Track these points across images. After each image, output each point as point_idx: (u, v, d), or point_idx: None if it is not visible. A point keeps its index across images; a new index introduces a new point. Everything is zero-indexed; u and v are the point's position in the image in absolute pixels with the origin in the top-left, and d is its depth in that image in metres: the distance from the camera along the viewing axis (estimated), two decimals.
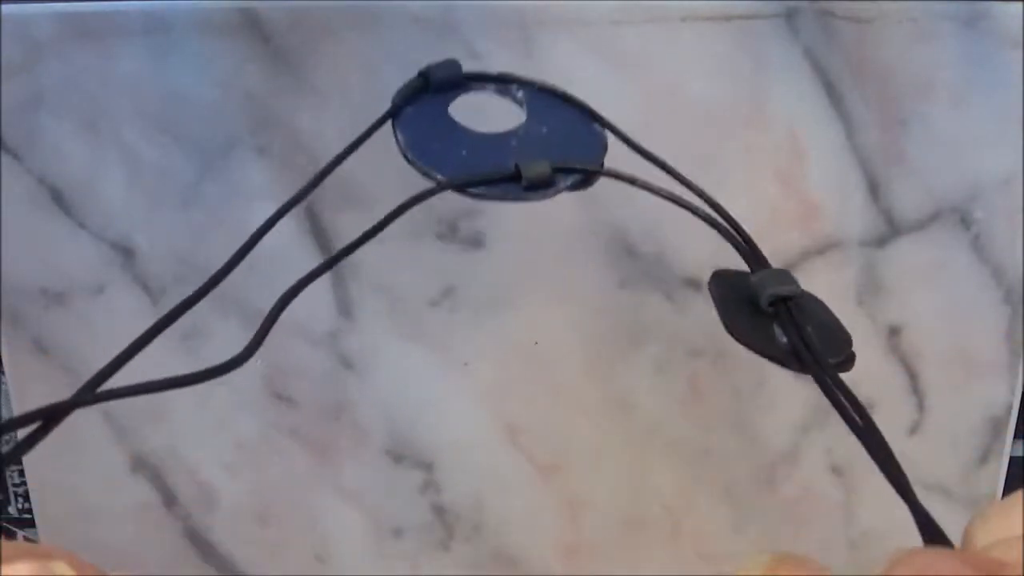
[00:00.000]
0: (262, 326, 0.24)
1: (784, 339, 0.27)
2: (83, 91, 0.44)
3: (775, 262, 0.47)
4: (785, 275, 0.28)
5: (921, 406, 0.49)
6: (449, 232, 0.46)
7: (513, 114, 0.32)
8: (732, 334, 0.27)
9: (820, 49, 0.43)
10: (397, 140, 0.31)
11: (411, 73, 0.43)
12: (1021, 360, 0.48)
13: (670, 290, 0.47)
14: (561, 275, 0.47)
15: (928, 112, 0.44)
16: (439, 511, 0.51)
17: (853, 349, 0.28)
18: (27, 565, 0.15)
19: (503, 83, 0.33)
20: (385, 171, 0.46)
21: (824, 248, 0.46)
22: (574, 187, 0.30)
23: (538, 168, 0.28)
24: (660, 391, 0.48)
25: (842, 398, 0.24)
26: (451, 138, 0.31)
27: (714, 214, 0.30)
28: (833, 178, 0.45)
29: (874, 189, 0.46)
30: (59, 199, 0.46)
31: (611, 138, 0.33)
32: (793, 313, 0.27)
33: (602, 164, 0.31)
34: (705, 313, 0.48)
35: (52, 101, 0.44)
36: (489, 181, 0.29)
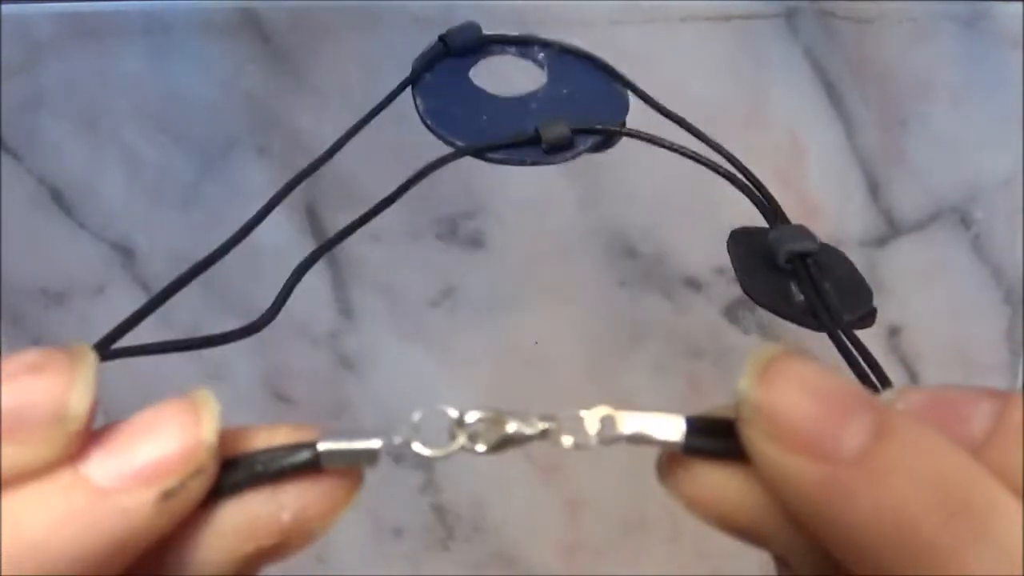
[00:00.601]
0: (281, 293, 0.24)
1: (801, 297, 0.26)
2: (83, 91, 0.44)
3: None
4: (803, 231, 0.28)
5: None
6: (449, 232, 0.46)
7: (534, 76, 0.32)
8: (748, 294, 0.27)
9: (820, 49, 0.43)
10: (417, 107, 0.30)
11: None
12: (1021, 360, 0.48)
13: (670, 290, 0.47)
14: (561, 275, 0.47)
15: (928, 112, 0.44)
16: (439, 511, 0.51)
17: (874, 304, 0.27)
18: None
19: (524, 45, 0.32)
20: (385, 170, 0.46)
21: None
22: (595, 148, 0.29)
23: (557, 129, 0.28)
24: (660, 391, 0.48)
25: (859, 357, 0.23)
26: (471, 103, 0.30)
27: (735, 171, 0.30)
28: (833, 178, 0.45)
29: (874, 189, 0.46)
30: (59, 199, 0.46)
31: (633, 99, 0.32)
32: (811, 270, 0.26)
33: (623, 124, 0.31)
34: (705, 313, 0.48)
35: (52, 101, 0.44)
36: (508, 145, 0.28)
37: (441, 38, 0.32)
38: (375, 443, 0.15)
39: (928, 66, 0.44)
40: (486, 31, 0.42)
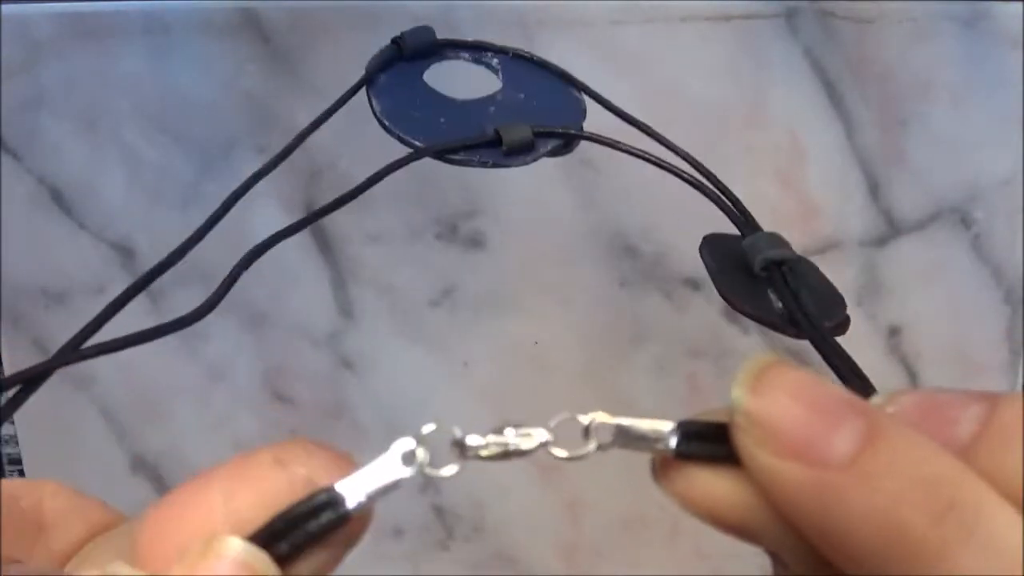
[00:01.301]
0: (224, 282, 0.24)
1: (779, 304, 0.26)
2: (83, 91, 0.44)
3: None
4: (777, 239, 0.28)
5: None
6: (449, 232, 0.46)
7: (488, 81, 0.32)
8: (727, 300, 0.27)
9: (820, 49, 0.43)
10: (372, 108, 0.30)
11: None
12: (1021, 360, 0.48)
13: (670, 290, 0.47)
14: (561, 275, 0.47)
15: (928, 112, 0.44)
16: (439, 511, 0.51)
17: (847, 312, 0.27)
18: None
19: (478, 50, 0.32)
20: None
21: (824, 248, 0.46)
22: (555, 152, 0.29)
23: (519, 132, 0.28)
24: (660, 391, 0.48)
25: (838, 362, 0.23)
26: (428, 105, 0.30)
27: (701, 178, 0.30)
28: (833, 178, 0.45)
29: (874, 189, 0.46)
30: (59, 199, 0.46)
31: (591, 105, 0.32)
32: (787, 278, 0.27)
33: (581, 128, 0.30)
34: (705, 313, 0.48)
35: (52, 101, 0.44)
36: (469, 146, 0.28)
37: (394, 40, 0.31)
38: (402, 474, 0.15)
39: (928, 66, 0.44)
40: (486, 32, 0.42)
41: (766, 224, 0.46)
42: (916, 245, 0.46)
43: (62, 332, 0.48)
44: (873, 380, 0.53)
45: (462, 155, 0.28)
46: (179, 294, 0.48)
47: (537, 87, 0.31)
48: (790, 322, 0.26)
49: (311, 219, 0.27)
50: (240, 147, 0.45)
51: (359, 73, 0.44)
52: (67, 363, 0.21)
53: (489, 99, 0.31)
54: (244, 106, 0.44)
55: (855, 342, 0.50)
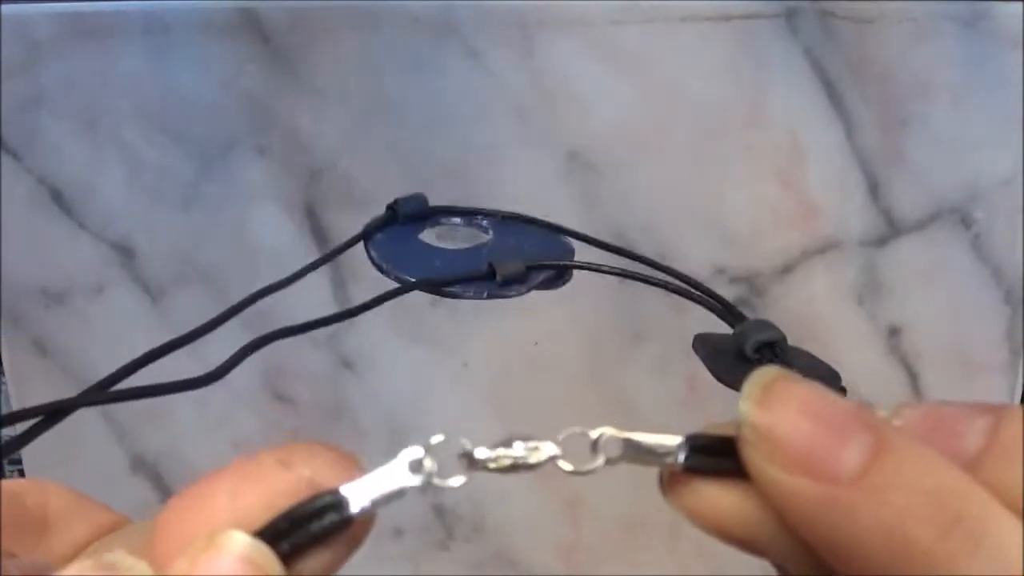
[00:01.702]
0: (236, 354, 0.25)
1: None
2: (83, 91, 0.44)
3: (775, 262, 0.47)
4: (766, 324, 0.29)
5: None
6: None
7: (481, 238, 0.34)
8: (723, 382, 0.28)
9: (820, 49, 0.43)
10: (371, 257, 0.31)
11: (411, 73, 0.44)
12: (1021, 360, 0.48)
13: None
14: None
15: (928, 112, 0.44)
16: (439, 511, 0.51)
17: (843, 385, 0.29)
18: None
19: (469, 215, 0.34)
20: (385, 171, 0.46)
21: (824, 248, 0.46)
22: (547, 283, 0.31)
23: (512, 266, 0.29)
24: (660, 391, 0.48)
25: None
26: (424, 254, 0.32)
27: (688, 287, 0.32)
28: (833, 178, 0.45)
29: (874, 189, 0.46)
30: (59, 199, 0.46)
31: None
32: (779, 357, 0.28)
33: (572, 258, 0.32)
34: (705, 313, 0.48)
35: (52, 101, 0.44)
36: (465, 280, 0.30)
37: (389, 207, 0.33)
38: (408, 483, 0.15)
39: (928, 66, 0.44)
40: (486, 31, 0.42)
41: (766, 224, 0.46)
42: (916, 245, 0.46)
43: (62, 332, 0.48)
44: (873, 380, 0.53)
45: (458, 288, 0.30)
46: (179, 294, 0.48)
47: (527, 236, 0.33)
48: None
49: (269, 291, 0.28)
50: (240, 147, 0.45)
51: (359, 73, 0.44)
52: (91, 403, 0.21)
53: (482, 246, 0.33)
54: (244, 106, 0.44)
55: (855, 342, 0.50)
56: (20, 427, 0.49)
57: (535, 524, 0.50)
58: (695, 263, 0.47)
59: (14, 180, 0.45)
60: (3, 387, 0.50)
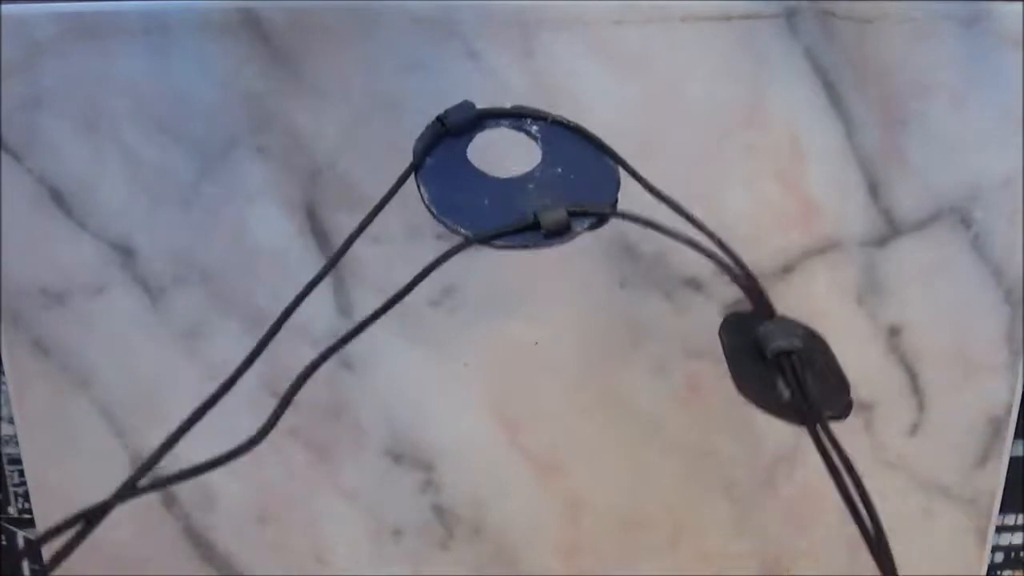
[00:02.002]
0: (280, 403, 0.26)
1: (787, 392, 0.29)
2: (83, 91, 0.44)
3: (775, 262, 0.47)
4: (790, 326, 0.30)
5: (921, 406, 0.49)
6: (449, 232, 0.46)
7: (528, 149, 0.33)
8: (738, 386, 0.29)
9: (820, 49, 0.43)
10: (422, 195, 0.32)
11: (411, 73, 0.43)
12: (1021, 360, 0.48)
13: (670, 290, 0.47)
14: (561, 275, 0.47)
15: (928, 112, 0.44)
16: (439, 511, 0.51)
17: (851, 396, 0.29)
18: None
19: (516, 118, 0.34)
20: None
21: (824, 248, 0.46)
22: (591, 228, 0.31)
23: (555, 215, 0.30)
24: (660, 391, 0.48)
25: (830, 454, 0.25)
26: (472, 188, 0.32)
27: (723, 255, 0.31)
28: (833, 178, 0.45)
29: (874, 189, 0.46)
30: (59, 199, 0.46)
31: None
32: (795, 366, 0.29)
33: (615, 201, 0.33)
34: (705, 313, 0.48)
35: (52, 101, 0.44)
36: (511, 232, 0.30)
37: (439, 118, 0.33)
38: None
39: (928, 66, 0.44)
40: (486, 31, 0.42)
41: (766, 224, 0.46)
42: (916, 245, 0.46)
43: (62, 332, 0.48)
44: (873, 380, 0.53)
45: (505, 240, 0.30)
46: (179, 294, 0.48)
47: (573, 158, 0.33)
48: (794, 410, 0.28)
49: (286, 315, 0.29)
50: (240, 147, 0.45)
51: (359, 73, 0.44)
52: (126, 498, 0.21)
53: (528, 176, 0.33)
54: (244, 106, 0.44)
55: (855, 342, 0.50)
56: (20, 425, 0.49)
57: (535, 524, 0.50)
58: (695, 263, 0.47)
59: (14, 180, 0.45)
60: (3, 387, 0.50)
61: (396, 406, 0.49)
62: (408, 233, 0.46)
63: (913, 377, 0.49)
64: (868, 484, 0.52)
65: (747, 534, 0.51)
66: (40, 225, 0.46)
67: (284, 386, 0.49)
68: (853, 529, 0.54)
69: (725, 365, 0.49)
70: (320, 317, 0.47)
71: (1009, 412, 0.49)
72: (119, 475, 0.50)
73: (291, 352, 0.49)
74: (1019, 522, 0.53)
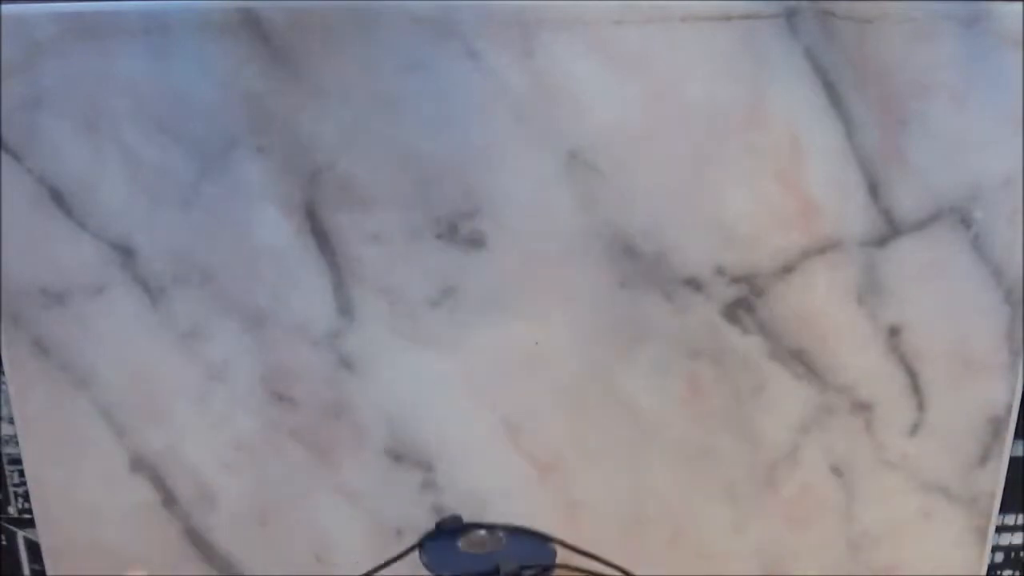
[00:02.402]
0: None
1: None
2: (83, 91, 0.44)
3: (775, 262, 0.47)
4: None
5: (921, 406, 0.49)
6: (449, 232, 0.46)
7: (498, 542, 0.48)
8: None
9: (820, 49, 0.43)
10: (422, 561, 0.46)
11: (411, 73, 0.44)
12: (1021, 360, 0.48)
13: (670, 290, 0.47)
14: (561, 275, 0.47)
15: (928, 112, 0.44)
16: (439, 511, 0.51)
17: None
18: None
19: (491, 529, 0.48)
20: (385, 171, 0.46)
21: (824, 248, 0.46)
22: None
23: (511, 566, 0.44)
24: (660, 391, 0.48)
25: None
26: (458, 557, 0.46)
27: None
28: (833, 178, 0.45)
29: (874, 189, 0.46)
30: (59, 199, 0.46)
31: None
32: None
33: (553, 562, 0.47)
34: (705, 313, 0.48)
35: (52, 101, 0.44)
36: (480, 574, 0.44)
37: (437, 524, 0.48)
38: None
39: (928, 66, 0.44)
40: (486, 31, 0.42)
41: (766, 224, 0.46)
42: (916, 245, 0.46)
43: (62, 332, 0.48)
44: (873, 380, 0.53)
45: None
46: (179, 294, 0.48)
47: (527, 542, 0.48)
48: None
49: None
50: (240, 147, 0.45)
51: (359, 73, 0.44)
52: None
53: (496, 552, 0.47)
54: (244, 106, 0.44)
55: (855, 342, 0.50)
56: (20, 425, 0.49)
57: (535, 524, 0.50)
58: (695, 263, 0.47)
59: (14, 180, 0.45)
60: (3, 387, 0.50)
61: (396, 406, 0.49)
62: (408, 233, 0.46)
63: (913, 377, 0.49)
64: (868, 484, 0.52)
65: (747, 534, 0.51)
66: (40, 225, 0.46)
67: (284, 386, 0.49)
68: (853, 529, 0.54)
69: (725, 364, 0.49)
70: (320, 317, 0.47)
71: (1009, 412, 0.49)
72: (119, 475, 0.50)
73: (291, 352, 0.49)
74: (1019, 522, 0.53)
